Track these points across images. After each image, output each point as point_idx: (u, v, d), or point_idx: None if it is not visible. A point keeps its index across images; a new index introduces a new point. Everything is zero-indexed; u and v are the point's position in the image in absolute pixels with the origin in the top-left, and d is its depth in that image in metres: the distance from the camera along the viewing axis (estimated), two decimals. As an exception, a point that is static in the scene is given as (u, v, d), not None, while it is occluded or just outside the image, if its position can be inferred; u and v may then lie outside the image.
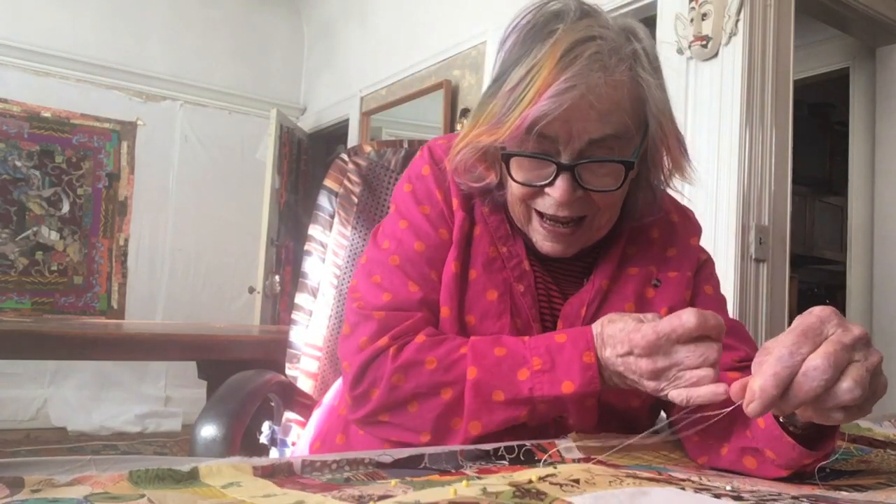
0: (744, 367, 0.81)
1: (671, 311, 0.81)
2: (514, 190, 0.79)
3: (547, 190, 0.75)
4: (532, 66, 0.71)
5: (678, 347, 0.62)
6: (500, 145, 0.75)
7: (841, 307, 4.07)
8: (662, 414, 0.85)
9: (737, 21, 2.22)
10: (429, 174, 0.85)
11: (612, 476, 0.51)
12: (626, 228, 0.85)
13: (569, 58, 0.70)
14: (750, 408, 0.54)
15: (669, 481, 0.52)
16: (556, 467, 0.50)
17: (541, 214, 0.78)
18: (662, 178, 0.83)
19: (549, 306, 0.83)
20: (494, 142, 0.74)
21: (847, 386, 0.51)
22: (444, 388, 0.72)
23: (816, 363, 0.51)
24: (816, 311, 0.55)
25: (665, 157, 0.80)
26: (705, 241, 0.93)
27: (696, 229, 0.92)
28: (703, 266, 0.90)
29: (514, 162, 0.76)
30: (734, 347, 0.82)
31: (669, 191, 0.88)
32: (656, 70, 0.76)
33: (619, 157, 0.73)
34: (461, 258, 0.81)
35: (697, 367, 0.61)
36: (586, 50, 0.70)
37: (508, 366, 0.70)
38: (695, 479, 0.56)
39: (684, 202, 0.95)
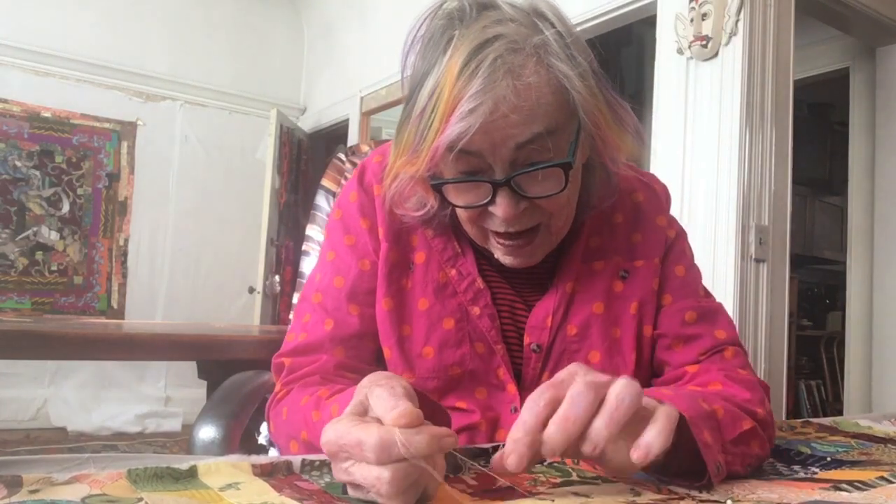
0: (705, 360, 0.78)
1: (640, 305, 0.80)
2: (459, 213, 0.74)
3: (490, 208, 0.70)
4: (434, 86, 0.65)
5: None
6: (428, 173, 0.69)
7: (841, 307, 4.07)
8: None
9: (737, 21, 2.22)
10: (355, 201, 0.82)
11: (611, 500, 0.50)
12: (587, 218, 0.80)
13: (468, 70, 0.63)
14: (508, 461, 0.48)
15: (669, 499, 0.51)
16: (553, 500, 0.50)
17: (495, 231, 0.73)
18: (611, 160, 0.75)
19: (512, 322, 0.80)
20: (417, 171, 0.68)
21: (599, 423, 0.48)
22: (292, 441, 0.72)
23: (563, 410, 0.48)
24: (570, 367, 0.52)
25: (602, 145, 0.73)
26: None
27: (664, 203, 0.87)
28: (673, 245, 0.84)
29: (447, 188, 0.70)
30: (699, 336, 0.79)
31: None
32: (572, 56, 0.67)
33: (555, 152, 0.67)
34: (393, 292, 0.78)
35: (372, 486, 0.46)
36: (486, 57, 0.63)
37: (318, 434, 0.64)
38: (694, 491, 0.56)
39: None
